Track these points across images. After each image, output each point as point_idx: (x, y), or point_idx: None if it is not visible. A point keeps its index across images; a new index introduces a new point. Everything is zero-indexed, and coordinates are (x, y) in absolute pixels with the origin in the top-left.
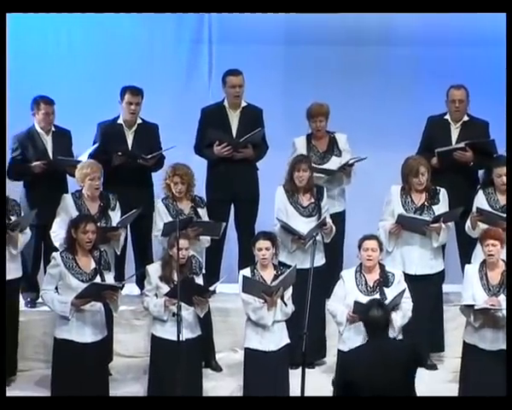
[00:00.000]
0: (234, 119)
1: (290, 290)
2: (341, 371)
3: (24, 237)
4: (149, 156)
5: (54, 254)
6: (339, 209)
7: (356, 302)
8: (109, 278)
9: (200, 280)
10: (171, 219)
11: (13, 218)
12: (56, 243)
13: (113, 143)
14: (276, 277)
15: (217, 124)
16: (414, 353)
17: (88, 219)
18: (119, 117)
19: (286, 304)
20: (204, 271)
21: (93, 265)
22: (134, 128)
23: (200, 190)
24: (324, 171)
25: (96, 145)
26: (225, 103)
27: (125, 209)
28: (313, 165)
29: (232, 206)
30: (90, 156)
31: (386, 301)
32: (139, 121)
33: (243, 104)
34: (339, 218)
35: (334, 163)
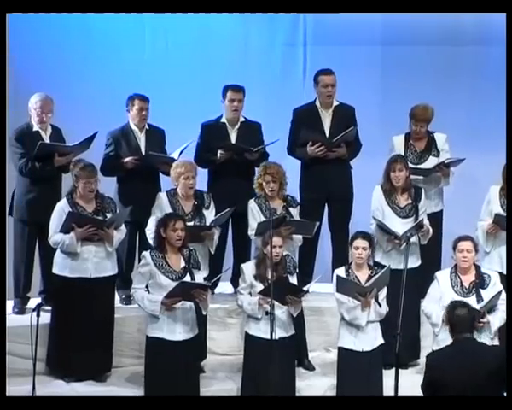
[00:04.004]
0: (326, 118)
1: (385, 291)
2: (426, 372)
3: (119, 234)
4: (255, 149)
5: (144, 252)
6: (435, 209)
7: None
8: (199, 277)
9: (294, 279)
10: (263, 218)
11: (108, 215)
12: (151, 241)
13: (217, 142)
14: (370, 277)
15: (309, 124)
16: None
17: (176, 217)
18: (222, 116)
19: (380, 305)
20: (297, 270)
21: (183, 263)
22: (237, 126)
23: (291, 189)
24: (419, 171)
25: (189, 143)
26: (317, 103)
27: (230, 206)
28: (409, 165)
29: (326, 205)
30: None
31: (483, 303)
32: (242, 120)
33: (335, 103)
34: (435, 218)
35: (431, 163)
